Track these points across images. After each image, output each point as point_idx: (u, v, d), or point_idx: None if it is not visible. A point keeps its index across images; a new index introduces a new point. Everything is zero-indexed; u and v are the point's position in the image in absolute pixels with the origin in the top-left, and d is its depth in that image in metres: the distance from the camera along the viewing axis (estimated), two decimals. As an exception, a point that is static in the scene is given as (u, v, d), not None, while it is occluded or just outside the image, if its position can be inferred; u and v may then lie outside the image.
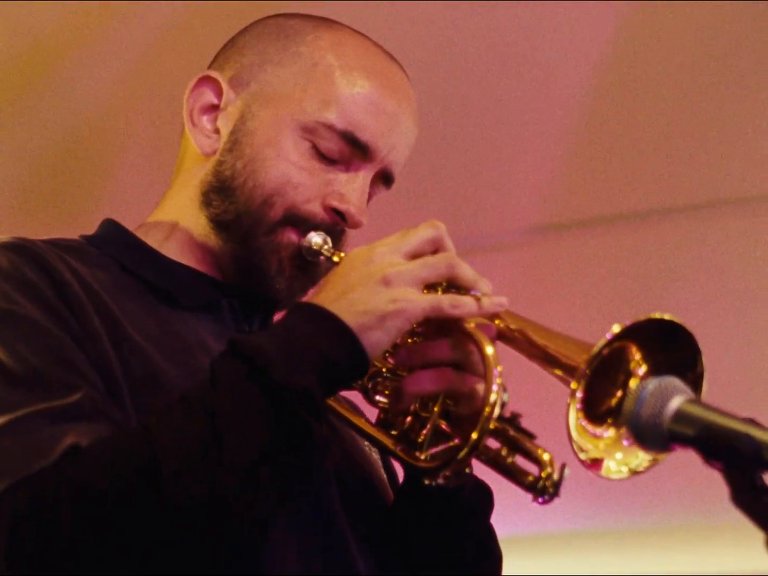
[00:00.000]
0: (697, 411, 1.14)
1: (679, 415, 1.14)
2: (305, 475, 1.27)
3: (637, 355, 1.29)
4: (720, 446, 1.10)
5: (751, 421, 1.12)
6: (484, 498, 1.47)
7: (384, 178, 1.57)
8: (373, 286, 1.29)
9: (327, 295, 1.31)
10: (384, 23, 2.75)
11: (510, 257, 3.63)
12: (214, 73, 1.56)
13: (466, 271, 1.36)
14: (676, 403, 1.15)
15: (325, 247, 1.49)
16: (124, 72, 2.78)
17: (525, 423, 1.35)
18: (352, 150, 1.51)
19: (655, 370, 1.27)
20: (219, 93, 1.55)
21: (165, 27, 2.66)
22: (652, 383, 1.18)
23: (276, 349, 1.24)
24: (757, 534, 1.05)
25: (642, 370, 1.28)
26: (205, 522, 1.18)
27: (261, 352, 1.23)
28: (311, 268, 1.50)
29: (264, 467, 1.21)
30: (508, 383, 1.33)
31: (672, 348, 1.27)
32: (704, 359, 1.27)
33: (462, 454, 1.29)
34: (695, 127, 3.11)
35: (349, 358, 1.27)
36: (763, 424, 1.11)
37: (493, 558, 1.50)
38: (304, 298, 1.41)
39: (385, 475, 1.57)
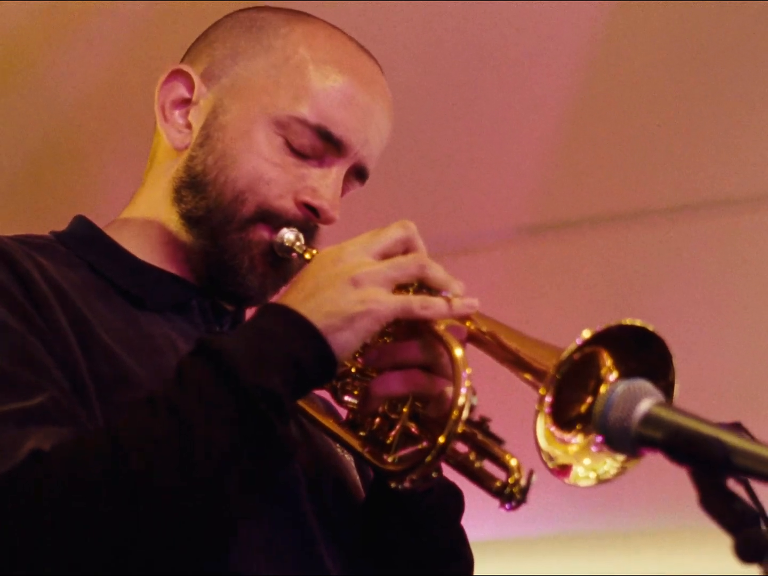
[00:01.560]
0: (665, 414, 1.12)
1: (648, 419, 1.12)
2: (270, 476, 1.25)
3: (608, 360, 1.27)
4: (688, 450, 1.08)
5: (735, 426, 1.10)
6: (453, 500, 1.46)
7: (358, 173, 1.55)
8: (341, 286, 1.28)
9: (296, 296, 1.30)
10: (371, 22, 2.74)
11: (493, 258, 3.62)
12: (185, 67, 1.54)
13: (437, 272, 1.34)
14: (644, 406, 1.13)
15: (297, 243, 1.47)
16: (103, 67, 2.76)
17: (495, 427, 1.33)
18: (325, 145, 1.49)
19: (626, 376, 1.25)
20: (191, 87, 1.53)
21: (144, 21, 2.64)
22: (622, 386, 1.16)
23: (243, 350, 1.23)
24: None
25: (613, 376, 1.26)
26: (169, 522, 1.17)
27: (228, 353, 1.22)
28: (283, 265, 1.49)
29: (229, 468, 1.19)
30: (479, 386, 1.31)
31: (644, 354, 1.25)
32: (678, 364, 1.26)
33: (429, 457, 1.27)
34: (679, 129, 3.11)
35: (316, 359, 1.26)
36: (748, 429, 1.10)
37: (463, 560, 1.49)
38: (275, 298, 1.39)
39: (357, 476, 1.56)
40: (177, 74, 1.54)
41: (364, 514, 1.47)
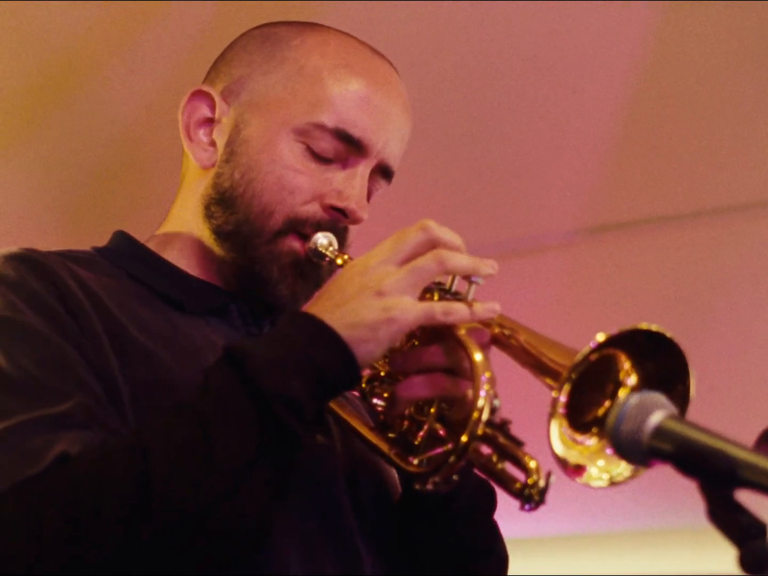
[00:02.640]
0: (676, 427, 1.15)
1: (659, 431, 1.15)
2: (291, 480, 1.30)
3: (626, 364, 1.30)
4: (696, 463, 1.11)
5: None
6: (485, 497, 1.50)
7: (382, 172, 1.58)
8: (366, 298, 1.32)
9: (323, 306, 1.34)
10: (422, 27, 2.76)
11: (553, 259, 3.63)
12: (205, 87, 1.59)
13: (459, 261, 1.36)
14: (656, 418, 1.15)
15: (330, 248, 1.51)
16: (160, 79, 2.79)
17: (519, 429, 1.37)
18: (347, 147, 1.53)
19: (645, 381, 1.29)
20: (212, 106, 1.58)
21: (202, 34, 2.67)
22: (635, 398, 1.19)
23: (267, 358, 1.27)
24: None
25: (632, 380, 1.30)
26: (194, 528, 1.21)
27: (252, 360, 1.26)
28: (313, 273, 1.53)
29: (251, 473, 1.24)
30: (503, 389, 1.35)
31: (662, 358, 1.28)
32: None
33: (452, 458, 1.31)
34: (738, 128, 3.07)
35: (340, 368, 1.30)
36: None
37: (496, 557, 1.54)
38: (305, 306, 1.43)
39: (395, 474, 1.59)
40: (198, 95, 1.59)
41: (399, 512, 1.52)
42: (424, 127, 3.05)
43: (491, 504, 1.51)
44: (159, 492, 1.20)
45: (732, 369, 3.80)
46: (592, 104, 3.01)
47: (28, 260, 1.40)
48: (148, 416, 1.30)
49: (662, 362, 1.28)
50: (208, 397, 1.26)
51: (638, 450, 1.16)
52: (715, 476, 1.09)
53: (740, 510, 1.08)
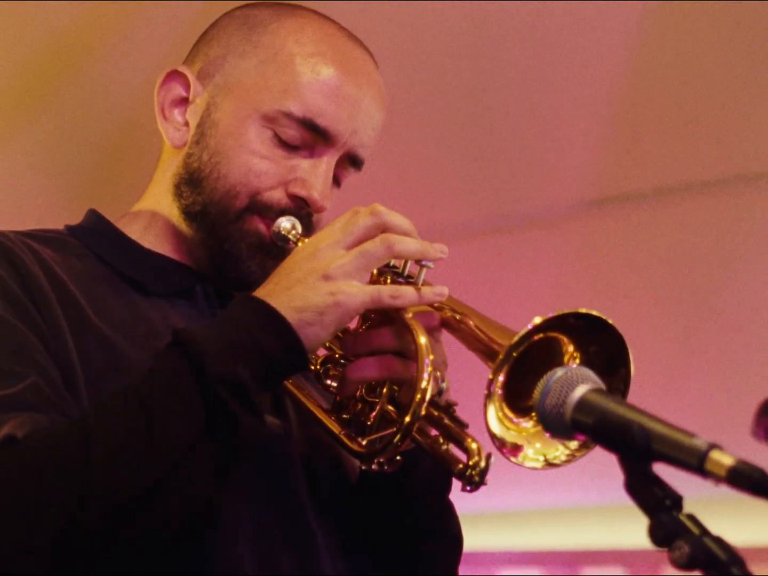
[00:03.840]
0: (598, 401, 1.15)
1: (581, 405, 1.16)
2: (235, 463, 1.31)
3: (570, 348, 1.31)
4: (614, 437, 1.12)
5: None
6: (440, 478, 1.50)
7: (351, 160, 1.60)
8: (314, 282, 1.34)
9: (271, 290, 1.36)
10: (429, 13, 2.78)
11: (558, 233, 3.62)
12: (181, 68, 1.62)
13: (408, 245, 1.38)
14: (579, 392, 1.16)
15: (293, 232, 1.53)
16: (156, 59, 2.83)
17: (472, 412, 1.37)
18: (314, 136, 1.54)
19: (588, 365, 1.28)
20: (187, 86, 1.60)
21: (196, 12, 2.70)
22: (560, 372, 1.19)
23: (214, 342, 1.29)
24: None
25: (575, 364, 1.30)
26: (137, 510, 1.23)
27: (198, 344, 1.28)
28: (281, 252, 1.53)
29: (193, 457, 1.25)
30: (458, 373, 1.36)
31: (604, 343, 1.28)
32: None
33: (396, 439, 1.32)
34: (741, 96, 3.06)
35: (286, 352, 1.32)
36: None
37: (449, 537, 1.54)
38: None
39: None
40: (174, 74, 1.61)
41: (354, 492, 1.53)
42: (426, 102, 3.06)
43: (446, 485, 1.51)
44: (100, 474, 1.22)
45: (739, 341, 3.76)
46: (594, 75, 3.01)
47: None
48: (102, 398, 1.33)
49: (605, 347, 1.29)
50: (153, 380, 1.28)
51: (562, 423, 1.17)
52: (632, 449, 1.09)
53: (655, 482, 1.08)
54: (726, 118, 3.11)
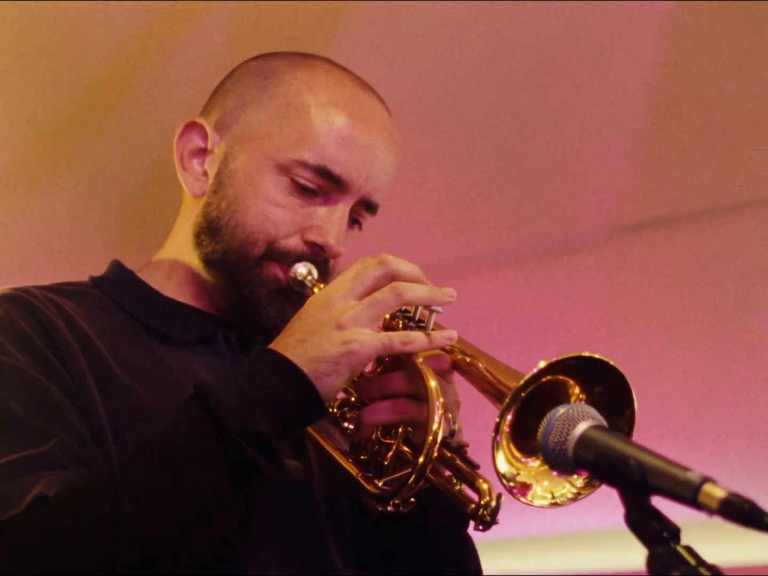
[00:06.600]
0: (598, 436, 1.20)
1: (582, 441, 1.20)
2: (258, 509, 1.37)
3: (576, 390, 1.35)
4: (612, 471, 1.16)
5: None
6: (456, 514, 1.54)
7: (366, 206, 1.65)
8: (327, 332, 1.39)
9: (287, 342, 1.42)
10: (454, 26, 2.81)
11: (593, 258, 3.64)
12: (198, 119, 1.68)
13: (416, 292, 1.43)
14: (580, 428, 1.21)
15: (309, 277, 1.59)
16: (202, 84, 2.88)
17: (483, 453, 1.41)
18: (329, 183, 1.60)
19: (593, 406, 1.32)
20: (205, 137, 1.67)
21: (238, 31, 2.74)
22: (563, 409, 1.24)
23: (233, 394, 1.34)
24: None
25: None
26: (162, 561, 1.28)
27: (218, 398, 1.33)
28: (300, 297, 1.58)
29: (218, 509, 1.31)
30: (469, 414, 1.40)
31: (609, 385, 1.32)
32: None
33: (411, 479, 1.38)
34: None
35: (304, 403, 1.37)
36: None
37: (469, 569, 1.59)
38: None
39: None
40: (192, 126, 1.68)
41: (375, 528, 1.57)
42: (454, 128, 3.09)
43: (463, 521, 1.55)
44: (128, 528, 1.27)
45: None
46: (627, 99, 3.00)
47: (16, 300, 1.49)
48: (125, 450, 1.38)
49: (609, 388, 1.32)
50: (176, 434, 1.34)
51: (565, 459, 1.22)
52: (629, 483, 1.13)
53: (654, 515, 1.12)
54: (762, 138, 3.11)
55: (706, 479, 1.08)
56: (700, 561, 1.08)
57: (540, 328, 3.83)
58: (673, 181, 3.31)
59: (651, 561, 1.09)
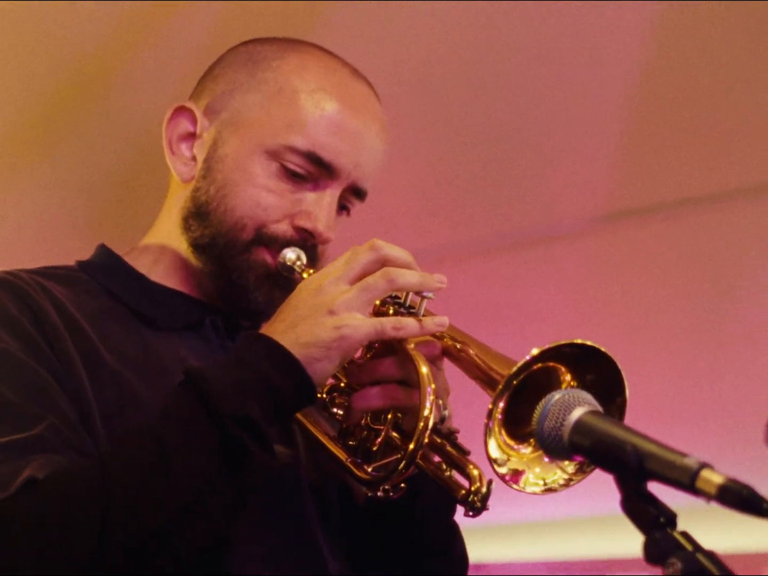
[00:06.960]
0: (595, 422, 1.19)
1: (578, 426, 1.20)
2: (250, 495, 1.36)
3: (568, 376, 1.34)
4: (609, 457, 1.16)
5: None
6: (445, 500, 1.53)
7: (355, 192, 1.64)
8: (319, 317, 1.39)
9: (278, 327, 1.41)
10: (441, 18, 2.80)
11: (572, 247, 3.65)
12: (188, 104, 1.67)
13: (408, 278, 1.42)
14: (576, 414, 1.21)
15: (298, 263, 1.57)
16: (177, 83, 2.85)
17: (474, 436, 1.41)
18: (318, 169, 1.59)
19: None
20: (194, 121, 1.65)
21: (224, 25, 2.73)
22: (558, 395, 1.24)
23: (225, 380, 1.33)
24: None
25: None
26: (157, 545, 1.27)
27: (209, 383, 1.33)
28: (288, 282, 1.57)
29: (211, 493, 1.30)
30: (460, 400, 1.40)
31: (601, 372, 1.32)
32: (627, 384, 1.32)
33: (401, 465, 1.37)
34: (755, 107, 3.07)
35: (295, 388, 1.37)
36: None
37: (455, 556, 1.59)
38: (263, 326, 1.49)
39: None
40: (181, 110, 1.66)
41: (363, 515, 1.57)
42: (440, 117, 3.09)
43: (451, 508, 1.55)
44: (120, 514, 1.26)
45: (757, 355, 3.78)
46: (606, 89, 3.01)
47: (4, 283, 1.47)
48: (117, 436, 1.37)
49: (601, 375, 1.32)
50: (168, 419, 1.33)
51: (561, 445, 1.21)
52: (626, 469, 1.13)
53: (651, 501, 1.12)
54: (738, 130, 3.12)
55: (703, 465, 1.08)
56: (697, 547, 1.07)
57: (519, 315, 3.84)
58: (652, 173, 3.33)
59: (648, 547, 1.09)
